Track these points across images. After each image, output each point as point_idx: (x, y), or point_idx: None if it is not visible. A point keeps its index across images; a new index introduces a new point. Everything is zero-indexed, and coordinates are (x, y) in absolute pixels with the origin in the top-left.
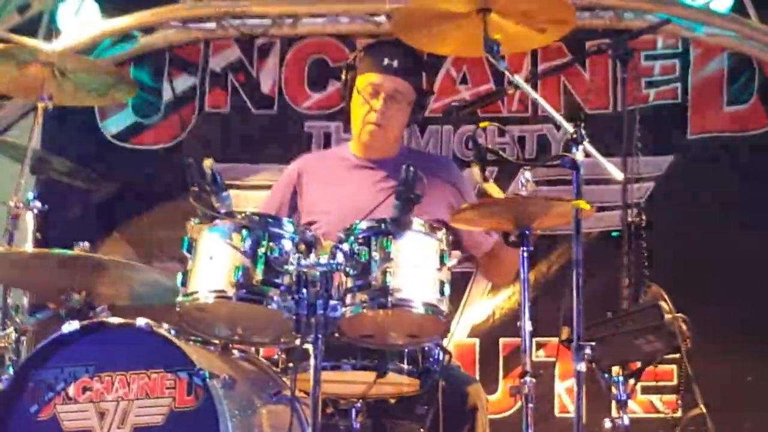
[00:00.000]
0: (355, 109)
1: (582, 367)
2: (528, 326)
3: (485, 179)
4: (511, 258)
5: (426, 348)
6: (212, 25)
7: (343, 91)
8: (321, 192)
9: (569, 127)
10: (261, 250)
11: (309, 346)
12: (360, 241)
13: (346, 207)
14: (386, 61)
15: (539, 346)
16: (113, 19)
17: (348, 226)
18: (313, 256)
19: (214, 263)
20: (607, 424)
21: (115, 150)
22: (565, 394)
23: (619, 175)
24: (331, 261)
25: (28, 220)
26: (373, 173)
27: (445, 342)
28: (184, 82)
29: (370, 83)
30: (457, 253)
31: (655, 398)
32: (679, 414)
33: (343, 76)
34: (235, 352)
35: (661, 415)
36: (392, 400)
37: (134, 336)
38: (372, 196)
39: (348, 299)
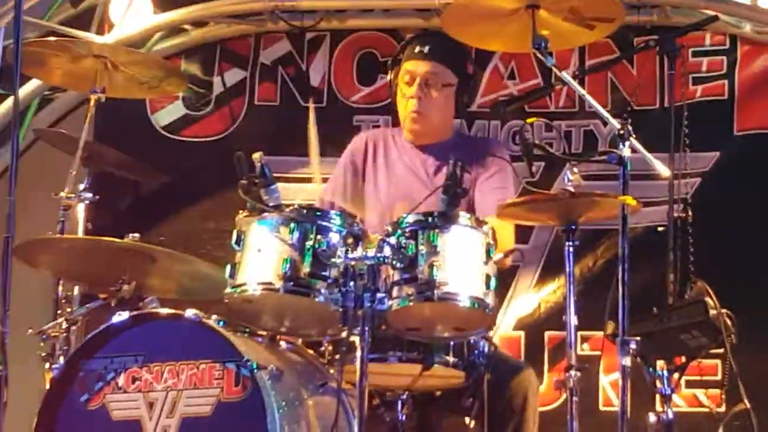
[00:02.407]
0: (399, 102)
1: (627, 361)
2: (573, 320)
3: (532, 175)
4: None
5: (472, 341)
6: (263, 18)
7: (389, 88)
8: (375, 174)
9: (616, 123)
10: (309, 243)
11: (355, 339)
12: (407, 234)
13: (397, 194)
14: (418, 48)
15: (584, 339)
16: (165, 13)
17: (396, 219)
18: (360, 249)
19: (262, 256)
20: (652, 418)
21: (165, 142)
22: (609, 388)
23: (665, 171)
24: (379, 254)
25: (79, 211)
26: (424, 158)
27: (491, 335)
28: (234, 76)
29: (407, 71)
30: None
31: (700, 392)
32: (723, 409)
33: (389, 74)
34: (282, 343)
35: (706, 410)
36: (438, 393)
37: (183, 327)
38: (422, 183)
39: (395, 292)
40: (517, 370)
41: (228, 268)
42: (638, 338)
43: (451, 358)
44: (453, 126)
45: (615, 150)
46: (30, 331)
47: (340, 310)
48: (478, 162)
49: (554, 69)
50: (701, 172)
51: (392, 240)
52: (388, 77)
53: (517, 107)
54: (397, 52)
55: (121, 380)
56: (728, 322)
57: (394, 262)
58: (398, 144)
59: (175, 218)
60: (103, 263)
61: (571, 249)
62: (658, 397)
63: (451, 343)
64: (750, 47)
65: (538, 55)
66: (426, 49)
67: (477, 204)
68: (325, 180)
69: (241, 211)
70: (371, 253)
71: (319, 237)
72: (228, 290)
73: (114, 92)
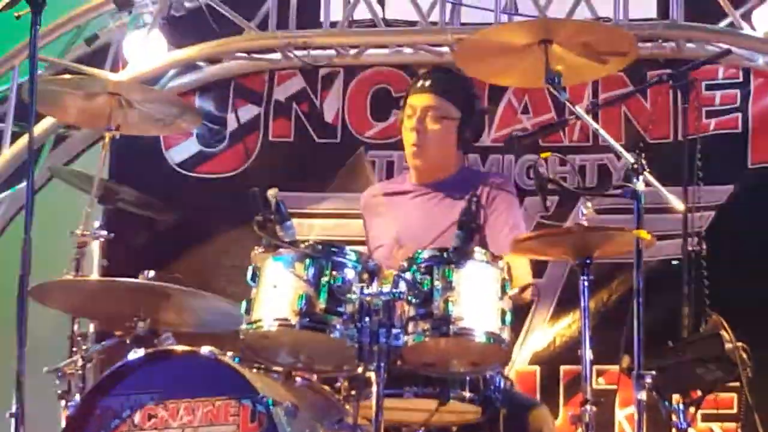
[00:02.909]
0: (403, 139)
1: (643, 395)
2: (589, 354)
3: (546, 209)
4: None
5: (488, 376)
6: (277, 55)
7: (399, 124)
8: (380, 221)
9: (630, 157)
10: (324, 279)
11: (371, 374)
12: (422, 270)
13: (407, 234)
14: (421, 82)
15: (600, 373)
16: (179, 50)
17: (410, 255)
18: (375, 284)
19: (277, 291)
20: None
21: (180, 179)
22: (625, 422)
23: (679, 205)
24: (394, 290)
25: (94, 248)
26: (429, 197)
27: (506, 370)
28: (248, 112)
29: (409, 105)
30: (518, 283)
31: (716, 426)
32: None
33: (400, 114)
34: (297, 379)
35: None
36: (454, 428)
37: (199, 364)
38: (431, 221)
39: (410, 328)
40: (533, 406)
41: (243, 304)
42: (654, 372)
43: (467, 393)
44: (461, 160)
45: (629, 184)
46: (45, 368)
47: (356, 345)
48: (486, 198)
49: (568, 104)
50: (715, 206)
51: (408, 275)
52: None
53: (531, 142)
54: (406, 90)
55: (137, 418)
56: (744, 355)
57: (409, 298)
58: (404, 187)
59: (190, 255)
60: (118, 301)
61: (585, 283)
62: (674, 431)
63: (467, 378)
64: (763, 80)
65: (552, 89)
66: (427, 83)
67: (490, 241)
68: None
69: (256, 247)
70: (386, 288)
71: (334, 273)
72: (244, 326)
73: (128, 130)
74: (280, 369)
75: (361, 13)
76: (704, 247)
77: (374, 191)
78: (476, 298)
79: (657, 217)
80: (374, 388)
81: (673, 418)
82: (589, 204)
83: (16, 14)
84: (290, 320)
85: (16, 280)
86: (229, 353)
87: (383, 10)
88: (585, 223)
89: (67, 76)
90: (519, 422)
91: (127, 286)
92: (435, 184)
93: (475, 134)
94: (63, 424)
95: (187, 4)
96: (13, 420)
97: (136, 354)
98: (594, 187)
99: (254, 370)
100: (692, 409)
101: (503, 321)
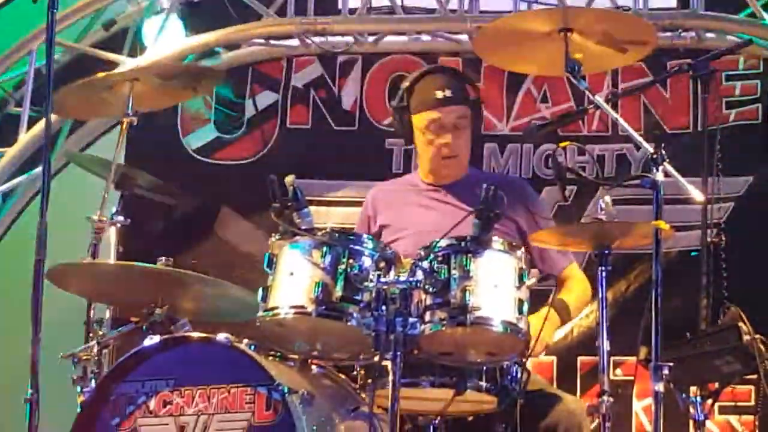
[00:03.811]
0: (422, 148)
1: (660, 387)
2: (606, 345)
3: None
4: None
5: (504, 366)
6: (295, 42)
7: (398, 130)
8: (395, 216)
9: (649, 148)
10: (341, 267)
11: (388, 363)
12: (440, 258)
13: (422, 228)
14: (440, 94)
15: (617, 365)
16: (197, 36)
17: (428, 243)
18: (392, 273)
19: (294, 279)
20: None
21: (197, 165)
22: (642, 414)
23: (699, 196)
24: (411, 278)
25: (111, 234)
26: (443, 196)
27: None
28: (266, 99)
29: (431, 120)
30: (536, 272)
31: (733, 418)
32: None
33: (397, 118)
34: (313, 367)
35: None
36: (470, 418)
37: (214, 351)
38: (442, 218)
39: (427, 317)
40: (568, 398)
41: (260, 291)
42: (671, 364)
43: (483, 383)
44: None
45: (648, 174)
46: (61, 354)
47: (373, 334)
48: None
49: (587, 92)
50: (735, 197)
51: (425, 264)
52: (396, 123)
53: (550, 131)
54: (400, 96)
55: (152, 404)
56: (762, 347)
57: (426, 287)
58: (415, 188)
59: (207, 241)
60: (135, 287)
61: (604, 274)
62: (691, 423)
63: (484, 367)
64: None
65: (571, 78)
66: (448, 93)
67: (545, 258)
68: None
69: (273, 235)
70: (404, 277)
71: (351, 261)
72: (260, 314)
73: (147, 106)
74: (296, 357)
75: (380, 0)
76: (723, 238)
77: (385, 187)
78: (493, 288)
79: (676, 208)
80: (390, 377)
81: (691, 410)
82: (608, 198)
83: None
84: (307, 308)
85: (32, 265)
86: (245, 340)
87: None
88: (603, 218)
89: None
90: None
91: (143, 272)
92: (449, 185)
93: (482, 119)
94: (78, 409)
95: None
96: (28, 405)
97: (152, 340)
98: (613, 177)
99: (270, 358)
100: (709, 401)
101: (520, 311)
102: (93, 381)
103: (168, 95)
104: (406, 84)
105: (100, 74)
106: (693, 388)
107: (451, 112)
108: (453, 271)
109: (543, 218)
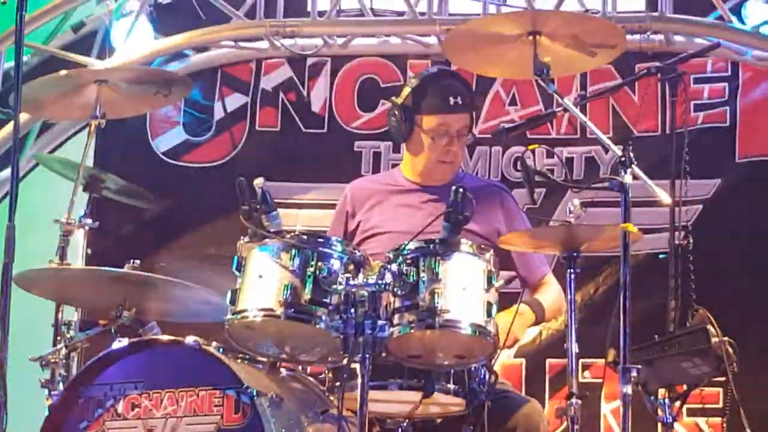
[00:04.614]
0: (422, 148)
1: (628, 389)
2: (574, 348)
3: (534, 202)
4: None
5: (472, 368)
6: (264, 44)
7: (397, 127)
8: (373, 213)
9: (617, 150)
10: (310, 270)
11: (356, 366)
12: (408, 261)
13: (398, 228)
14: (452, 100)
15: (585, 367)
16: (166, 38)
17: (396, 246)
18: (361, 276)
19: (263, 282)
20: None
21: (166, 167)
22: (611, 416)
23: (666, 199)
24: (380, 281)
25: (79, 236)
26: (426, 196)
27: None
28: (235, 101)
29: (440, 124)
30: (504, 274)
31: (701, 421)
32: None
33: (397, 114)
34: (282, 370)
35: None
36: (438, 420)
37: (183, 353)
38: (423, 219)
39: (396, 319)
40: (525, 404)
41: (229, 294)
42: (639, 366)
43: (451, 386)
44: None
45: (616, 177)
46: (30, 357)
47: (341, 337)
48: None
49: (556, 95)
50: (702, 199)
51: (393, 267)
52: (395, 118)
53: (519, 133)
54: (406, 95)
55: (120, 407)
56: (730, 350)
57: (395, 289)
58: (397, 186)
59: (176, 244)
60: (103, 290)
61: (572, 276)
62: (659, 425)
63: (452, 370)
64: (752, 74)
65: (540, 81)
66: (459, 100)
67: (527, 264)
68: None
69: (242, 237)
70: (372, 280)
71: (320, 263)
72: (228, 316)
73: (117, 113)
74: (264, 359)
75: (349, 2)
76: (691, 240)
77: (364, 182)
78: (462, 290)
79: (644, 211)
80: (359, 380)
81: (659, 412)
82: (576, 201)
83: (2, 0)
84: (275, 310)
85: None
86: (214, 343)
87: (371, 0)
88: (572, 221)
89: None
90: (506, 416)
91: (111, 275)
92: (436, 188)
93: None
94: (46, 412)
95: None
96: None
97: (120, 343)
98: (581, 180)
99: (239, 361)
100: (678, 404)
101: (489, 313)
102: (61, 384)
103: (139, 102)
104: (415, 82)
105: (65, 71)
106: (661, 391)
107: (460, 120)
108: (422, 274)
109: (521, 225)
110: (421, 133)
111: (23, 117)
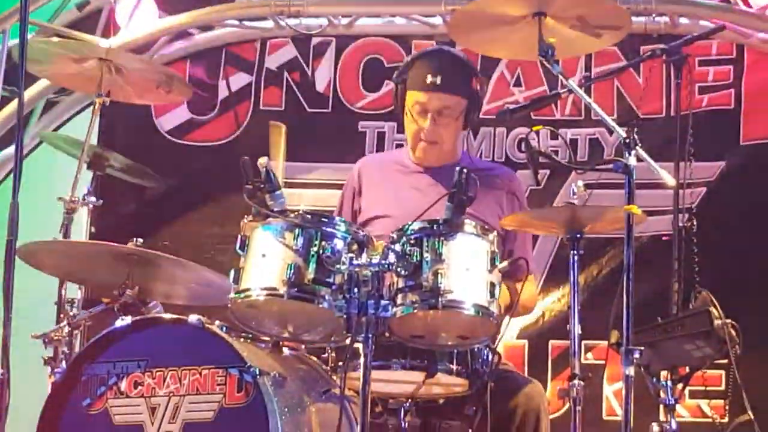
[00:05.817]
0: (407, 125)
1: (631, 371)
2: (577, 329)
3: (538, 183)
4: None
5: (475, 349)
6: (268, 23)
7: (394, 102)
8: (378, 194)
9: (622, 132)
10: (313, 249)
11: (359, 346)
12: (412, 241)
13: (402, 210)
14: (429, 78)
15: (588, 348)
16: (170, 17)
17: (401, 227)
18: (365, 255)
19: (266, 261)
20: (655, 428)
21: (170, 146)
22: (613, 398)
23: (671, 181)
24: (383, 261)
25: (83, 214)
26: (430, 179)
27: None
28: (239, 80)
29: (417, 102)
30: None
31: (703, 403)
32: (726, 419)
33: (394, 89)
34: (285, 349)
35: (709, 420)
36: (441, 401)
37: (186, 332)
38: (428, 201)
39: (399, 299)
40: (525, 382)
41: (232, 273)
42: (642, 348)
43: (454, 366)
44: (462, 140)
45: (621, 159)
46: (32, 334)
47: (344, 316)
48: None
49: (561, 77)
50: (707, 182)
51: (397, 247)
52: (393, 94)
53: (523, 115)
54: (402, 69)
55: (123, 385)
56: (733, 332)
57: (398, 269)
58: (403, 166)
59: (179, 223)
60: (107, 268)
61: (575, 258)
62: (661, 407)
63: (455, 351)
64: (757, 57)
65: (545, 62)
66: (438, 80)
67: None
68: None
69: (245, 216)
70: (376, 259)
71: (323, 243)
72: (232, 295)
73: (118, 96)
74: (267, 339)
75: None
76: (695, 223)
77: (374, 161)
78: (465, 271)
79: (648, 193)
80: (362, 360)
81: (661, 394)
82: (580, 183)
83: None
84: (278, 290)
85: (3, 245)
86: (217, 322)
87: None
88: (575, 202)
89: (58, 38)
90: (509, 397)
91: (115, 252)
92: (437, 168)
93: (479, 111)
94: (48, 390)
95: None
96: None
97: (123, 321)
98: (585, 161)
99: (242, 340)
100: (680, 386)
101: (492, 294)
102: (64, 362)
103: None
104: (408, 58)
105: (73, 38)
106: (663, 373)
107: (438, 100)
108: (425, 254)
109: (525, 209)
110: (406, 109)
111: (28, 93)
